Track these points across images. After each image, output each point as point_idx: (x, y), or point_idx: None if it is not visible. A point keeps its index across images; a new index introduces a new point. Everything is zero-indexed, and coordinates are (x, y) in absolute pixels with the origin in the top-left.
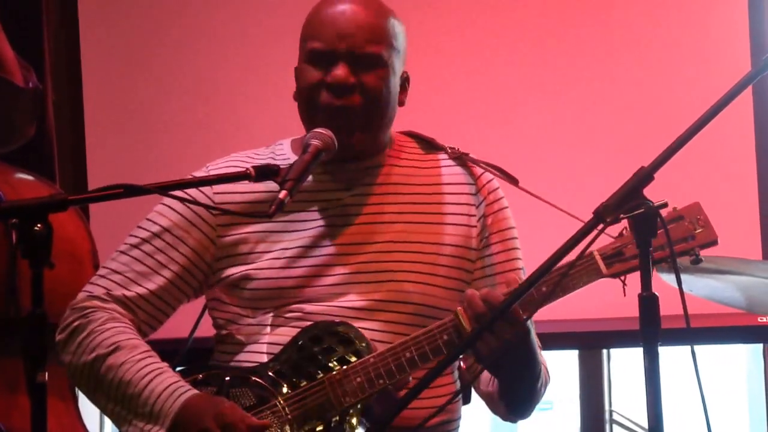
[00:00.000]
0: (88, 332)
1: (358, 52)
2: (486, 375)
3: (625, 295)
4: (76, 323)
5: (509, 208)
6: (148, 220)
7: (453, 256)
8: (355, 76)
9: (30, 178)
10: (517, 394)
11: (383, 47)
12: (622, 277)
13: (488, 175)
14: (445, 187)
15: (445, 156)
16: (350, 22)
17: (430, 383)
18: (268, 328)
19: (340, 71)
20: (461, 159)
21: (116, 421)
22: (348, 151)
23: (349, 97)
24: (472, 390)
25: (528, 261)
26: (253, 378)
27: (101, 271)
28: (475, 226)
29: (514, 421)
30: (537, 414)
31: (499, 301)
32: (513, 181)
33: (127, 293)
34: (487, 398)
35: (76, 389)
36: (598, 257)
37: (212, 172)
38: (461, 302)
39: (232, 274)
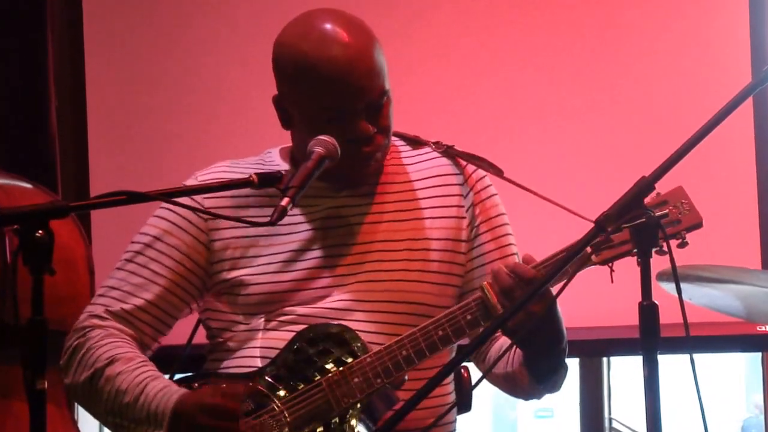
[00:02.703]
0: (86, 350)
1: (374, 98)
2: (502, 359)
3: (612, 282)
4: (75, 343)
5: (498, 195)
6: (141, 233)
7: (444, 251)
8: (374, 124)
9: (27, 185)
10: (545, 364)
11: (386, 81)
12: (610, 264)
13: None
14: (432, 180)
15: (429, 150)
16: (359, 70)
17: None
18: (262, 333)
19: (363, 126)
20: (447, 152)
21: None
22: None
23: (371, 144)
24: (472, 397)
25: (521, 251)
26: (251, 383)
27: (100, 290)
28: (465, 218)
29: (539, 396)
30: (537, 421)
31: (528, 273)
32: (498, 171)
33: (126, 307)
34: (505, 379)
35: None
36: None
37: (200, 179)
38: (489, 276)
39: (225, 279)
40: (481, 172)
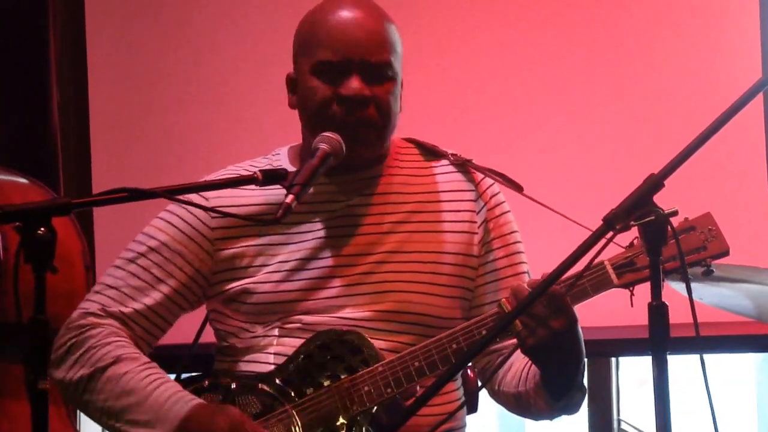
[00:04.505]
0: (87, 348)
1: (371, 61)
2: (512, 376)
3: (632, 306)
4: (72, 341)
5: (511, 212)
6: (145, 234)
7: (454, 264)
8: (369, 89)
9: (23, 180)
10: (562, 385)
11: (392, 55)
12: (631, 288)
13: (489, 180)
14: (445, 194)
15: (445, 162)
16: (360, 30)
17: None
18: (270, 339)
19: (355, 84)
20: (462, 165)
21: None
22: (356, 161)
23: (364, 111)
24: (479, 398)
25: (533, 268)
26: (260, 385)
27: (97, 287)
28: (477, 233)
29: (552, 417)
30: (545, 422)
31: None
32: (517, 188)
33: (124, 309)
34: (516, 399)
35: None
36: (608, 267)
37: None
38: (511, 294)
39: (231, 288)
40: (495, 188)
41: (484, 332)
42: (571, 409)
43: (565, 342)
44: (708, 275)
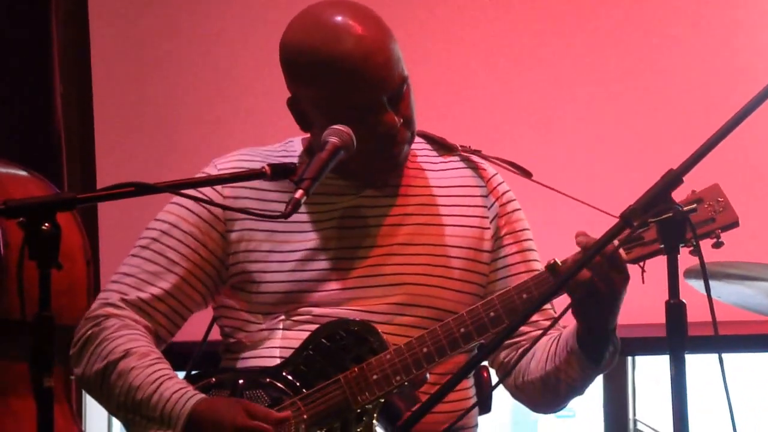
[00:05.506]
0: (100, 340)
1: (396, 91)
2: (537, 361)
3: (643, 282)
4: (88, 333)
5: (522, 209)
6: (157, 220)
7: (465, 259)
8: (398, 114)
9: (22, 173)
10: (601, 342)
11: (403, 67)
12: (641, 263)
13: (499, 177)
14: (456, 189)
15: (455, 158)
16: (378, 61)
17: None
18: (278, 332)
19: (390, 120)
20: (471, 161)
21: (131, 429)
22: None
23: (399, 136)
24: (492, 398)
25: (543, 255)
26: (268, 379)
27: (114, 277)
28: (488, 228)
29: (583, 387)
30: (559, 421)
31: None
32: (527, 174)
33: (142, 295)
34: (545, 381)
35: (73, 390)
36: (616, 243)
37: (219, 167)
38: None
39: (240, 272)
40: (505, 185)
41: (492, 314)
42: (606, 365)
43: (618, 297)
44: (718, 247)
